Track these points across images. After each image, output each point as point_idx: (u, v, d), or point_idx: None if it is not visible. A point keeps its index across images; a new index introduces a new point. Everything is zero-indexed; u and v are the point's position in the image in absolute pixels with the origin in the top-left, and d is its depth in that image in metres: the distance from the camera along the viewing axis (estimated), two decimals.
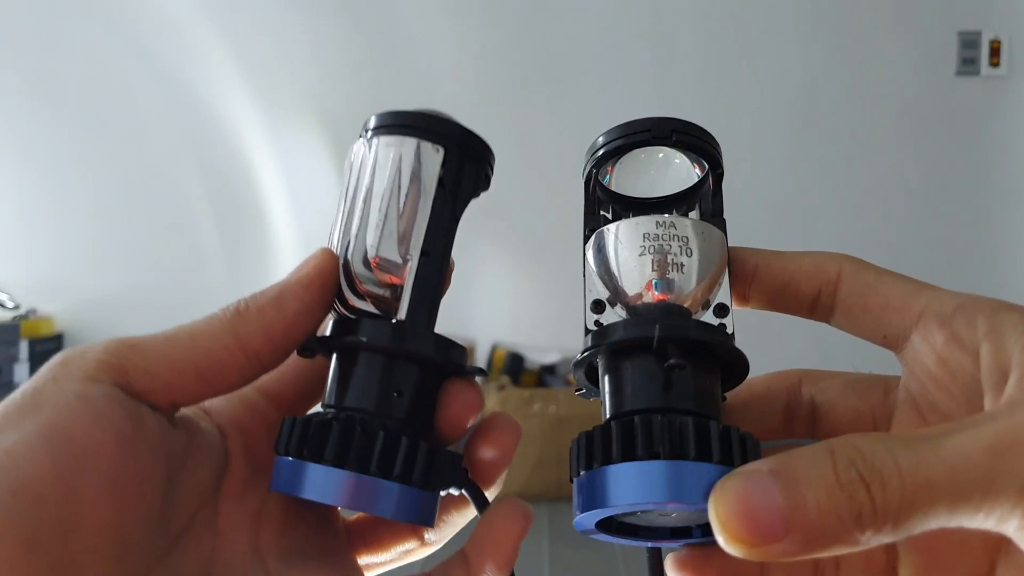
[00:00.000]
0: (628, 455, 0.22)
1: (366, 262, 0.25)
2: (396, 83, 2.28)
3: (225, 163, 2.34)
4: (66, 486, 0.18)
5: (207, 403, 0.25)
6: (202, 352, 0.22)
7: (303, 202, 2.36)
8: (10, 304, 2.31)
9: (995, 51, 2.25)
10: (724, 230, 0.27)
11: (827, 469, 0.18)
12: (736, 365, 0.25)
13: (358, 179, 0.26)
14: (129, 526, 0.19)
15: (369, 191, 0.26)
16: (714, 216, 0.28)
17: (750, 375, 0.27)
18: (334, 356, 0.25)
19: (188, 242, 2.37)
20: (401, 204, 0.26)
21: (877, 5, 2.26)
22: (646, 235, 0.25)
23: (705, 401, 0.24)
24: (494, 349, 2.24)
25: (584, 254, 0.27)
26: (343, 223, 0.26)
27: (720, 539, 0.19)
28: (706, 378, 0.24)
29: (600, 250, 0.26)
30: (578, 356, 0.25)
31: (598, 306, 0.27)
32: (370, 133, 0.27)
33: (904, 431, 0.24)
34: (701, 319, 0.26)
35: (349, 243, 0.25)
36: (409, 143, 0.26)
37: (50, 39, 2.32)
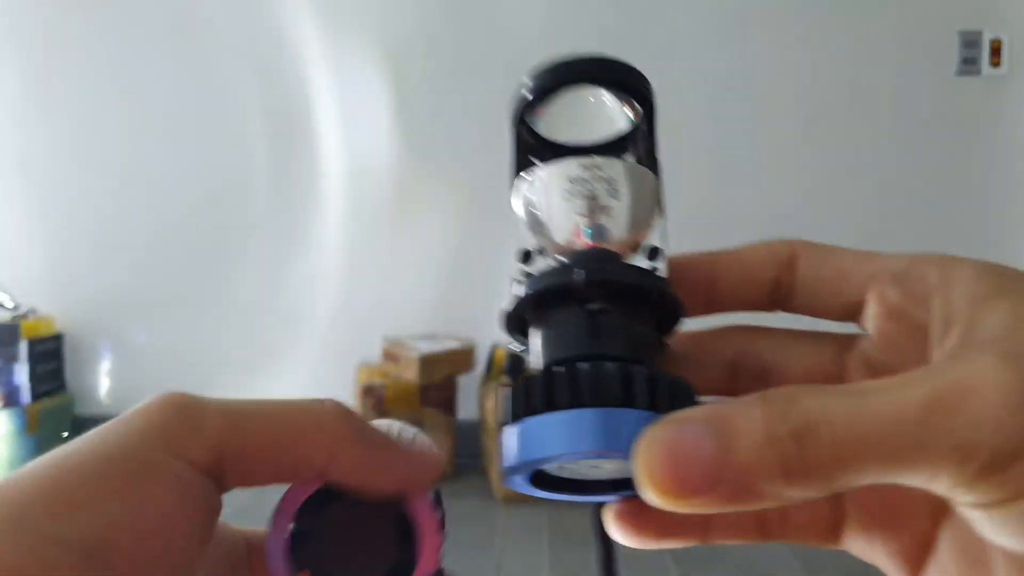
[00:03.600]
0: (551, 405, 0.21)
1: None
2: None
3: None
4: (137, 570, 0.18)
5: None
6: (307, 463, 0.21)
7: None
8: (10, 304, 2.31)
9: (996, 51, 2.25)
10: (658, 172, 0.26)
11: (759, 421, 0.17)
12: (669, 307, 0.24)
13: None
14: None
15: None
16: (648, 158, 0.27)
17: (704, 327, 0.26)
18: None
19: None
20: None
21: (877, 4, 2.26)
22: (571, 179, 0.24)
23: (634, 346, 0.23)
24: (494, 349, 2.24)
25: (512, 203, 0.26)
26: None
27: (643, 489, 0.18)
28: (635, 322, 0.23)
29: (526, 197, 0.25)
30: (504, 310, 0.24)
31: (526, 256, 0.25)
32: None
33: None
34: (633, 263, 0.24)
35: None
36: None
37: (46, 40, 2.32)
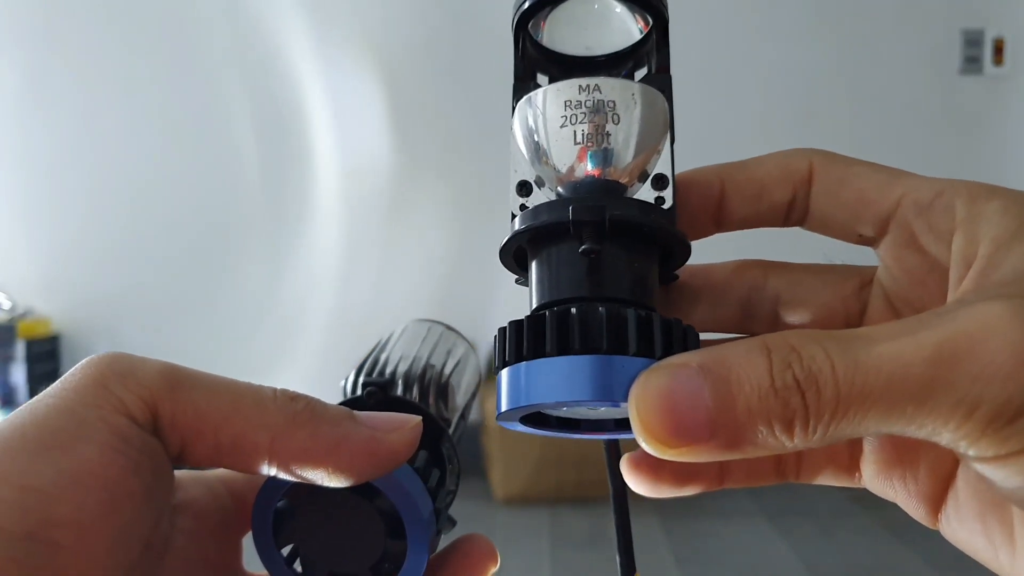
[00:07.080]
0: (539, 351, 0.20)
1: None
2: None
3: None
4: (84, 538, 0.17)
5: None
6: (249, 442, 0.20)
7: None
8: (7, 304, 2.30)
9: (998, 49, 2.24)
10: (670, 87, 0.24)
11: (762, 369, 0.17)
12: (672, 244, 0.22)
13: None
14: None
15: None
16: (660, 72, 0.25)
17: (717, 262, 0.25)
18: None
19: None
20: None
21: (880, 3, 2.25)
22: (567, 103, 0.22)
23: (629, 287, 0.21)
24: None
25: (512, 130, 0.24)
26: None
27: (639, 438, 0.18)
28: (633, 261, 0.21)
29: (522, 124, 0.23)
30: (501, 244, 0.23)
31: (523, 188, 0.24)
32: None
33: None
34: (637, 193, 0.23)
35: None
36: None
37: (43, 40, 2.32)
